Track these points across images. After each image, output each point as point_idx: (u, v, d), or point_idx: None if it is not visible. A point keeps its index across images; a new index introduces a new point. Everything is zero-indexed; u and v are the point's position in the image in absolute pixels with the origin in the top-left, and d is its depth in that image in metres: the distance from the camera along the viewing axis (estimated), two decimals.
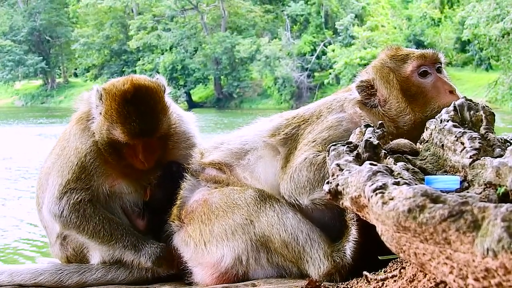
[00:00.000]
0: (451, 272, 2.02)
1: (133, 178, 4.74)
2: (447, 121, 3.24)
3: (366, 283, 3.30)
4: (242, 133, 4.56)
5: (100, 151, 4.60)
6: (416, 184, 2.37)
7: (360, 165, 2.80)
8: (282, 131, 4.27)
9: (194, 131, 5.10)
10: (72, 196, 4.55)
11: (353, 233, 3.76)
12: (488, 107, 3.41)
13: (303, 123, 4.27)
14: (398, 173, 2.71)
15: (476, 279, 1.89)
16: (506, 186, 2.36)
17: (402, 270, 3.03)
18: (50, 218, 4.70)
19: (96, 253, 4.73)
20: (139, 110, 4.47)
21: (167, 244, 4.53)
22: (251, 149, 4.32)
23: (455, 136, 3.03)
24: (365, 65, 5.15)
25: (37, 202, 5.00)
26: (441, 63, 4.40)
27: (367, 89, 4.29)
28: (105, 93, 4.53)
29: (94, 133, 4.61)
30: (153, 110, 4.55)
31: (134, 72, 66.76)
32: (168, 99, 4.77)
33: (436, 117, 3.43)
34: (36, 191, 5.02)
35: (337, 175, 2.90)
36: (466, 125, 3.25)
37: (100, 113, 4.56)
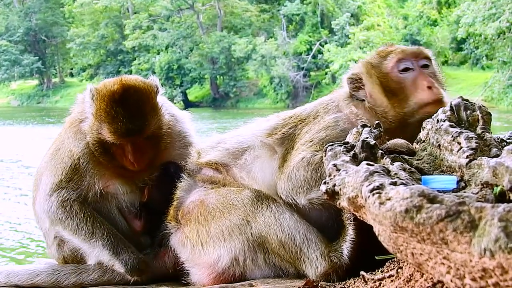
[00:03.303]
0: (448, 272, 2.03)
1: (128, 179, 4.76)
2: (444, 121, 3.24)
3: (363, 283, 3.30)
4: (239, 132, 4.56)
5: (93, 152, 4.62)
6: (413, 184, 2.37)
7: (357, 165, 2.81)
8: (279, 130, 4.27)
9: (189, 130, 5.10)
10: (61, 193, 4.62)
11: (350, 233, 3.76)
12: (484, 106, 3.41)
13: (300, 123, 4.27)
14: (395, 173, 2.71)
15: (473, 279, 1.90)
16: (503, 186, 2.36)
17: (399, 270, 3.03)
18: (41, 214, 4.77)
19: (93, 254, 4.72)
20: (126, 110, 4.50)
21: (163, 245, 4.54)
22: (248, 149, 4.32)
23: (452, 136, 3.03)
24: None
25: (33, 202, 5.00)
26: (428, 59, 4.35)
27: (356, 82, 4.31)
28: (96, 93, 4.58)
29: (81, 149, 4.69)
30: (141, 110, 4.56)
31: (130, 72, 66.86)
32: (161, 100, 4.78)
33: (433, 116, 3.43)
34: (32, 192, 5.02)
35: (334, 175, 2.90)
36: (462, 125, 3.25)
37: (92, 114, 4.59)
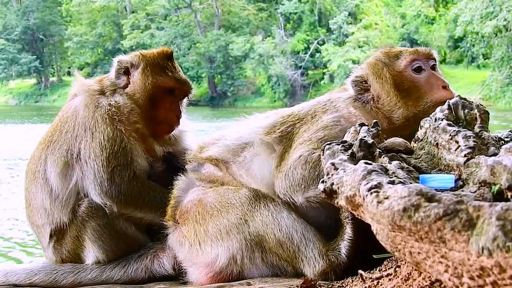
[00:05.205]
0: (446, 271, 2.03)
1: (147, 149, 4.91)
2: (442, 120, 3.24)
3: (361, 282, 3.30)
4: (239, 129, 4.56)
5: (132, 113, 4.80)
6: (411, 183, 2.37)
7: (355, 164, 2.80)
8: (278, 129, 4.27)
9: (185, 125, 5.26)
10: (123, 173, 4.61)
11: (348, 232, 3.76)
12: (482, 105, 3.41)
13: (298, 122, 4.27)
14: (393, 172, 2.71)
15: (471, 278, 1.90)
16: (501, 185, 2.36)
17: (397, 269, 3.04)
18: (106, 201, 4.61)
19: (91, 253, 4.72)
20: (176, 66, 5.10)
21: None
22: (247, 146, 4.32)
23: (450, 135, 3.03)
24: (358, 63, 5.20)
25: (27, 201, 4.93)
26: (435, 60, 4.45)
27: (361, 84, 4.32)
28: (142, 56, 4.99)
29: (115, 105, 4.79)
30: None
31: None
32: None
33: (431, 115, 3.43)
34: (27, 192, 4.93)
35: (332, 174, 2.90)
36: (460, 124, 3.25)
37: (141, 69, 4.90)
